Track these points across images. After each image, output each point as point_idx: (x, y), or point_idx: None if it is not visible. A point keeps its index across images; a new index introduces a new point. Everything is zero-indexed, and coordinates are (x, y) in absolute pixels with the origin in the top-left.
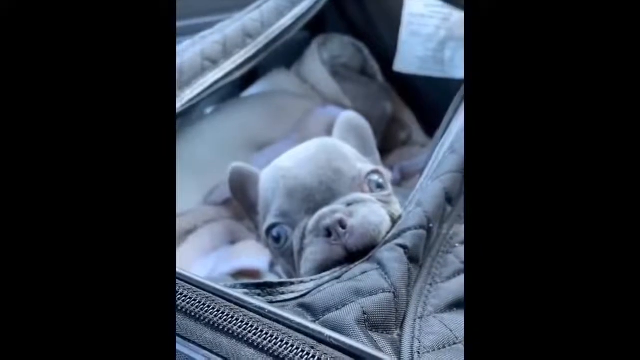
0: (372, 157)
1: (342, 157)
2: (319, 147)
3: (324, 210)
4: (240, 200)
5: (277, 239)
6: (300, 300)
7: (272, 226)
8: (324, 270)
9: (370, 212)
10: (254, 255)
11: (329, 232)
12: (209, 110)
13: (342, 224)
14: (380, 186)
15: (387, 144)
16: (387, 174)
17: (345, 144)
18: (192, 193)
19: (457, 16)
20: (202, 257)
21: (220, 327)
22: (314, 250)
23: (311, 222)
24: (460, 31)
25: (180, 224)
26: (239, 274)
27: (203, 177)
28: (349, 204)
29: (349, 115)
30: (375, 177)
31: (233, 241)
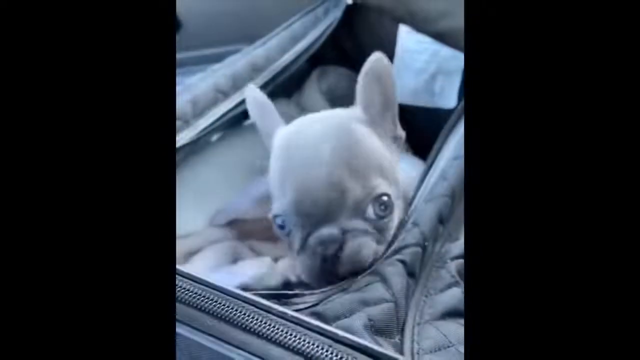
0: (392, 111)
1: (355, 172)
2: (335, 153)
3: (324, 235)
4: (260, 124)
5: (281, 227)
6: (312, 309)
7: (278, 216)
8: (314, 284)
9: (361, 246)
10: (255, 272)
11: (324, 259)
12: (214, 137)
13: (336, 255)
14: (385, 208)
15: None
16: (403, 134)
17: (366, 130)
18: (198, 216)
19: (446, 52)
20: (209, 275)
21: (251, 329)
22: (310, 265)
23: (311, 239)
24: (448, 65)
25: (186, 245)
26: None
27: (209, 201)
28: (344, 232)
29: (377, 65)
30: (383, 199)
31: (235, 260)
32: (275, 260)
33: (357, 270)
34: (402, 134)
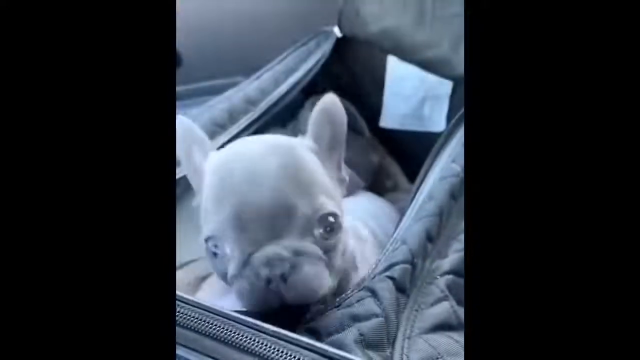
0: (338, 152)
1: (302, 188)
2: (281, 167)
3: (270, 254)
4: (184, 158)
5: (214, 254)
6: (307, 325)
7: (211, 238)
8: (253, 309)
9: (314, 275)
10: None
11: (269, 280)
12: None
13: (283, 277)
14: (332, 229)
15: (374, 191)
16: (347, 178)
17: (312, 155)
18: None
19: (432, 78)
20: (217, 300)
21: (245, 348)
22: (251, 290)
23: (255, 259)
24: (435, 91)
25: (195, 271)
26: None
27: None
28: (296, 254)
29: (328, 106)
30: (330, 220)
31: None
32: None
33: (305, 299)
34: (345, 177)
